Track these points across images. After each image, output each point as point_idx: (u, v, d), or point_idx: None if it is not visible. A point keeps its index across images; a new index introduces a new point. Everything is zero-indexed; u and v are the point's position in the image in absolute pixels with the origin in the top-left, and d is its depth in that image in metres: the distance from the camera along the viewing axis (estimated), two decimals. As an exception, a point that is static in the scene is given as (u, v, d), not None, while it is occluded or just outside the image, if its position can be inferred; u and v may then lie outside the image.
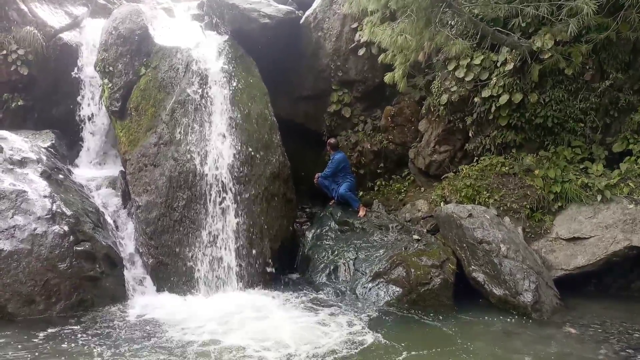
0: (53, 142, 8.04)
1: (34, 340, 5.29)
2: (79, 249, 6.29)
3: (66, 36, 8.92)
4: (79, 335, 5.45)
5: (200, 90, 7.69)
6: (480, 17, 7.26)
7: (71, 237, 6.28)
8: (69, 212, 6.46)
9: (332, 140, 8.75)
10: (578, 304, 6.57)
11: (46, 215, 6.30)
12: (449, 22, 7.53)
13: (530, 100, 7.44)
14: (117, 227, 7.39)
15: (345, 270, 7.16)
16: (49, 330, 5.53)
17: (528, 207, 7.32)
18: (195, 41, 8.46)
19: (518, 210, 7.34)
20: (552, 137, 7.66)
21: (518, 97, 7.45)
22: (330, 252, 7.54)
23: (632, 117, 7.34)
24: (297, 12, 9.38)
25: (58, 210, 6.40)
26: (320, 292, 7.01)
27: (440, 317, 6.16)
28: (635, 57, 7.38)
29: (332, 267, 7.28)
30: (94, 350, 5.09)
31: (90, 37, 8.96)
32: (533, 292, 6.16)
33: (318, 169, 9.69)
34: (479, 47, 7.52)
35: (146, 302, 6.58)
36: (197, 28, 9.22)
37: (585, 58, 7.22)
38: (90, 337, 5.40)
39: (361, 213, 8.03)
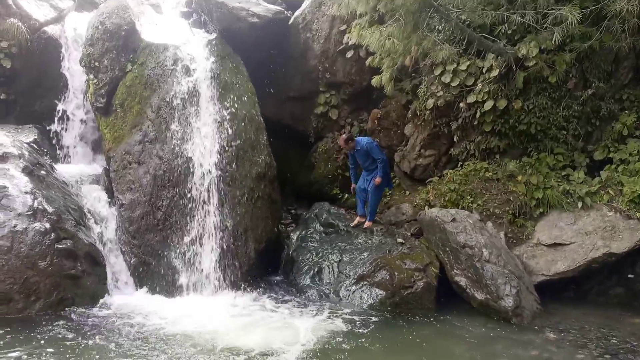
0: (36, 137, 7.91)
1: (10, 336, 5.20)
2: (60, 246, 6.20)
3: (51, 29, 8.79)
4: (59, 334, 5.37)
5: (187, 89, 7.62)
6: (467, 23, 7.33)
7: (52, 234, 6.18)
8: (50, 209, 6.36)
9: (345, 136, 8.01)
10: (557, 309, 6.67)
11: (27, 211, 6.20)
12: (437, 27, 7.57)
13: (515, 107, 7.53)
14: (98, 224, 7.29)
15: (329, 273, 7.18)
16: (27, 330, 5.44)
17: (510, 212, 7.42)
18: (183, 39, 8.37)
19: (500, 215, 7.43)
20: (535, 144, 7.76)
21: (502, 103, 7.54)
22: (314, 254, 7.54)
23: (613, 125, 7.49)
24: (286, 12, 9.35)
25: (39, 207, 6.30)
26: (304, 294, 7.02)
27: (422, 321, 6.20)
28: (617, 66, 7.53)
29: (316, 269, 7.29)
30: (75, 348, 5.03)
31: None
32: (514, 297, 6.23)
33: (304, 170, 9.72)
34: (466, 53, 7.58)
35: (127, 301, 6.52)
36: (185, 25, 9.13)
37: (569, 66, 7.32)
38: (69, 336, 5.33)
39: (355, 222, 7.87)
